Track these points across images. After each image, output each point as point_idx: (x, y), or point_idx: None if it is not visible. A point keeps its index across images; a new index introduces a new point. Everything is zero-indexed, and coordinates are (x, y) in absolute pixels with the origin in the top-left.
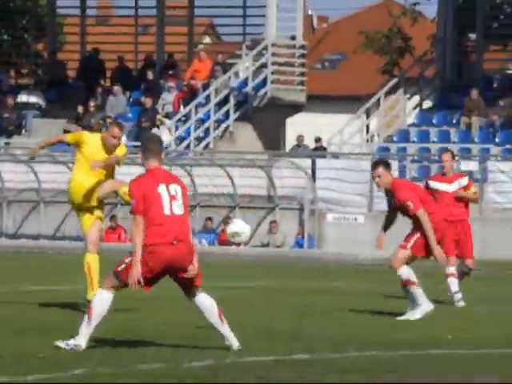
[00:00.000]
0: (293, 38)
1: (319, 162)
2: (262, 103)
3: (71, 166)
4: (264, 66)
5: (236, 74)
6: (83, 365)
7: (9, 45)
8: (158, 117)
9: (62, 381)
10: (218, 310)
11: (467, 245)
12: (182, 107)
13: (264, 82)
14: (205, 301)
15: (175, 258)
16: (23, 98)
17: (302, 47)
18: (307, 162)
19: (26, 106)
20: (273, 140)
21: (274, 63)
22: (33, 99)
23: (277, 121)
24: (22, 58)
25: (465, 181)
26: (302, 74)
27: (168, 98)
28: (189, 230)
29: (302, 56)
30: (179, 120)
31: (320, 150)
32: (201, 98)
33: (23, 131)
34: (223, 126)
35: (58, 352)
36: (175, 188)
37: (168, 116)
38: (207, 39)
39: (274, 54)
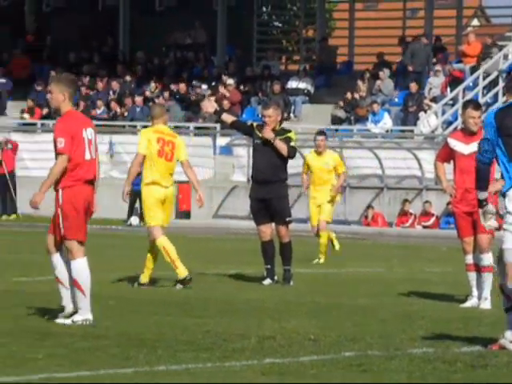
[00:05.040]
0: None
1: None
2: None
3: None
4: None
5: (505, 57)
6: (353, 347)
7: (279, 32)
8: (425, 101)
9: (337, 362)
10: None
11: None
12: (449, 91)
13: None
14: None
15: (91, 197)
16: (293, 84)
17: None
18: None
19: (296, 91)
20: None
21: None
22: (302, 85)
23: None
24: (292, 45)
25: None
26: None
27: (435, 81)
28: (98, 172)
29: None
30: (446, 104)
31: None
32: (469, 82)
33: (292, 116)
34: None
35: (324, 334)
36: (91, 132)
37: (435, 100)
38: (475, 21)
39: None
